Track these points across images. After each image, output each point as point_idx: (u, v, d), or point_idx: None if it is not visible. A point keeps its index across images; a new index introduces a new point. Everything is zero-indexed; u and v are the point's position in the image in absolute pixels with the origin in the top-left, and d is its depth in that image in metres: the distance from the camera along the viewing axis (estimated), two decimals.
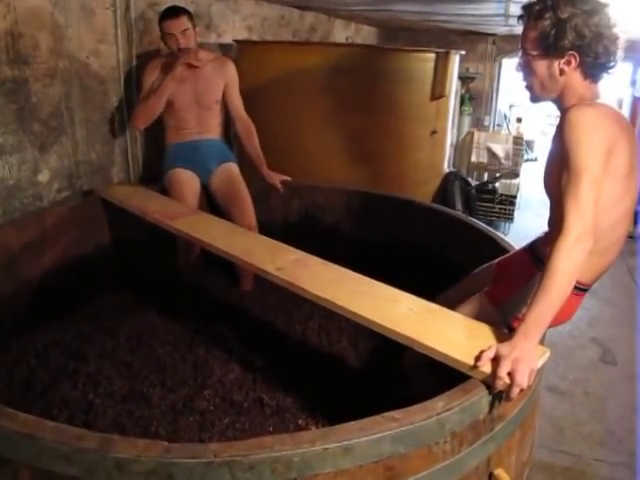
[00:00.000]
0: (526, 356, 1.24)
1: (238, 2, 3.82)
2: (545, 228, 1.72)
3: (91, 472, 1.04)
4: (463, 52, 3.92)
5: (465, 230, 2.51)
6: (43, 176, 2.49)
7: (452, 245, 2.57)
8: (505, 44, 7.10)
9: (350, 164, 3.56)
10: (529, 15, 1.46)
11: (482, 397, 1.22)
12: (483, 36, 7.02)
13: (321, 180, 3.17)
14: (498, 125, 7.70)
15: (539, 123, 10.15)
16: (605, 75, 1.49)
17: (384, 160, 3.63)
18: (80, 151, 2.66)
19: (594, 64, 1.44)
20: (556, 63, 1.44)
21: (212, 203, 2.89)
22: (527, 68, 1.51)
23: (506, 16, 4.37)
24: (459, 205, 4.44)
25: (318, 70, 3.45)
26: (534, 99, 1.56)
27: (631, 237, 5.69)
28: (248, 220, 2.72)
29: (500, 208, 5.18)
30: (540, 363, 1.31)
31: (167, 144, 2.80)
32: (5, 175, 2.31)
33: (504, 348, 1.26)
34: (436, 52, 3.56)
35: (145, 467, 1.02)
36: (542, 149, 8.98)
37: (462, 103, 6.72)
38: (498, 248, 2.11)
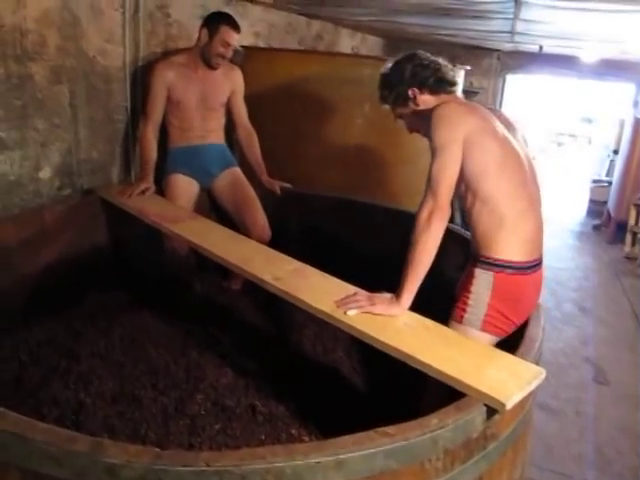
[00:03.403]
0: (382, 305, 1.59)
1: (247, 8, 3.84)
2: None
3: (81, 475, 1.03)
4: (468, 67, 3.94)
5: (461, 245, 2.50)
6: (44, 173, 2.49)
7: (447, 260, 2.56)
8: (510, 60, 7.14)
9: (351, 173, 3.55)
10: (381, 101, 1.88)
11: (476, 415, 1.22)
12: (488, 51, 7.05)
13: (321, 188, 3.17)
14: None
15: (540, 139, 10.19)
16: (449, 83, 1.77)
17: (386, 170, 3.63)
18: (82, 149, 2.66)
19: (429, 83, 1.75)
20: (409, 103, 1.80)
21: (217, 207, 2.91)
22: (403, 120, 1.88)
23: (512, 33, 4.40)
24: (458, 219, 4.43)
25: (323, 79, 3.45)
26: (420, 131, 1.84)
27: (628, 258, 5.72)
28: (260, 223, 2.79)
29: None
30: (534, 384, 1.31)
31: (170, 147, 2.79)
32: (6, 170, 2.31)
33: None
34: None
35: (135, 473, 1.01)
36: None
37: None
38: None
